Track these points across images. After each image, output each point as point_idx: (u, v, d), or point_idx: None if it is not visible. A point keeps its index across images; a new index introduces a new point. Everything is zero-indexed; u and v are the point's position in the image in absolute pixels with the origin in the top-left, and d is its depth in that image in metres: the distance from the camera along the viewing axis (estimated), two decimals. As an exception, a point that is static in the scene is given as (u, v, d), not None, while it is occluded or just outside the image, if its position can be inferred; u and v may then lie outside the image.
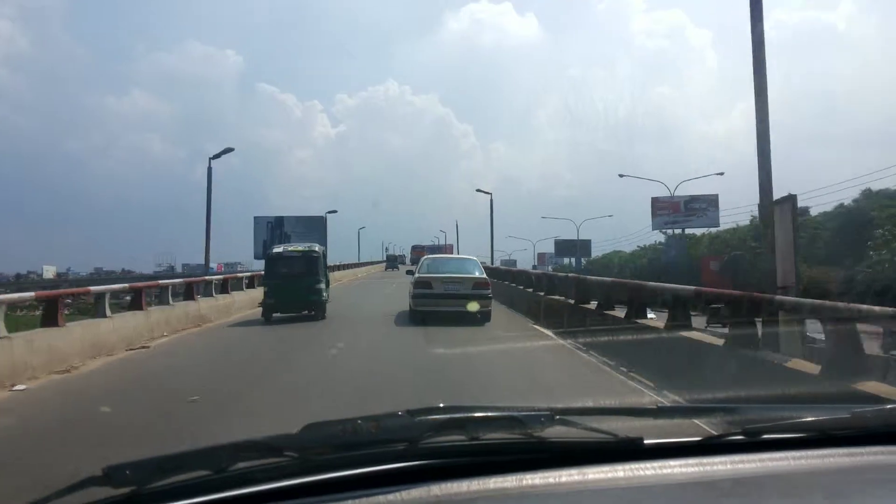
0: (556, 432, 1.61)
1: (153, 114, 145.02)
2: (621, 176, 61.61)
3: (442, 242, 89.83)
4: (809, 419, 1.78)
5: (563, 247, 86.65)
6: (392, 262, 77.82)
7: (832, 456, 1.60)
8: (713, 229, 58.02)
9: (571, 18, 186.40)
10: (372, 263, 69.59)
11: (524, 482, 1.46)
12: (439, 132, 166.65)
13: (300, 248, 18.13)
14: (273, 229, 67.58)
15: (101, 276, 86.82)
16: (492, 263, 47.38)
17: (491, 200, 52.69)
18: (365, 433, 1.60)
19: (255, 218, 69.86)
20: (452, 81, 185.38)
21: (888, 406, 2.06)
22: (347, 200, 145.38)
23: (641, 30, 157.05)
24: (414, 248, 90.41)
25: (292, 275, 16.77)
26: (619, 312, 11.67)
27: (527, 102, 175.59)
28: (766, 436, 1.68)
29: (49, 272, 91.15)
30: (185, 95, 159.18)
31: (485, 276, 16.81)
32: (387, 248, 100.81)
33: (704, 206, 58.55)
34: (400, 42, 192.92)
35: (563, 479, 1.49)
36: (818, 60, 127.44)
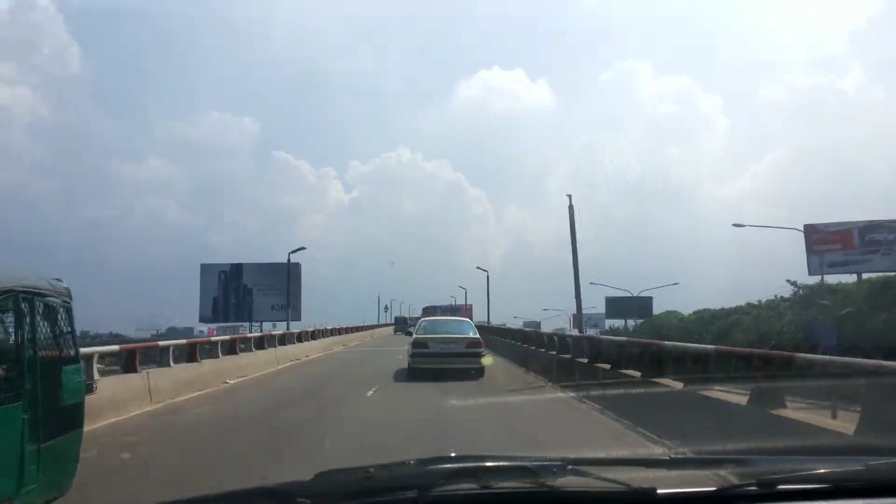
0: (568, 482, 1.61)
1: (170, 180, 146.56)
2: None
3: (457, 303, 79.07)
4: (823, 471, 1.77)
5: (618, 306, 72.47)
6: (402, 324, 65.94)
7: None
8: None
9: (582, 85, 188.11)
10: (368, 328, 55.73)
11: None
12: (452, 197, 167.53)
13: None
14: (228, 281, 52.92)
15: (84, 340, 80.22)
16: (488, 322, 43.99)
17: (487, 278, 52.48)
18: (377, 481, 1.60)
19: (202, 266, 53.04)
20: (465, 147, 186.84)
21: None
22: (360, 264, 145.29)
23: (650, 95, 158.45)
24: (426, 309, 78.35)
25: None
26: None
27: (539, 167, 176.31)
28: (780, 487, 1.67)
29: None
30: (202, 162, 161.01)
31: (478, 336, 17.60)
32: (386, 307, 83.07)
33: (892, 239, 39.14)
34: (412, 109, 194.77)
35: None
36: (831, 125, 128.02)
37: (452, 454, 1.83)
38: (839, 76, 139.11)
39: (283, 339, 23.22)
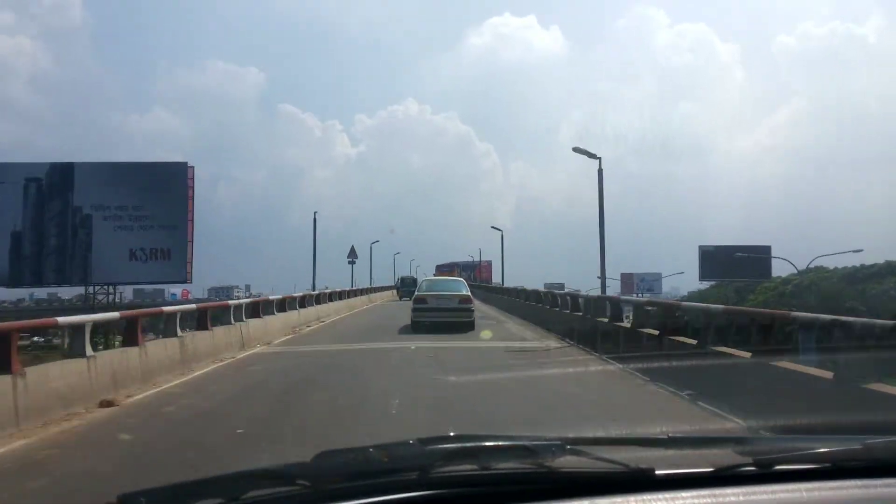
0: (567, 462, 1.62)
1: (175, 132, 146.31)
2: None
3: (476, 260, 77.03)
4: (822, 450, 1.78)
5: (717, 262, 51.76)
6: (409, 286, 45.04)
7: (845, 488, 1.60)
8: None
9: (597, 30, 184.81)
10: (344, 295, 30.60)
11: None
12: (460, 151, 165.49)
13: None
14: (43, 200, 28.28)
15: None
16: (502, 283, 42.39)
17: (502, 237, 48.10)
18: (376, 462, 1.62)
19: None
20: (474, 99, 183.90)
21: None
22: (368, 219, 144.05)
23: (666, 44, 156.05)
24: (440, 267, 73.29)
25: None
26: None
27: (550, 119, 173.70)
28: (778, 467, 1.68)
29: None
30: (208, 113, 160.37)
31: (468, 293, 20.62)
32: (351, 258, 44.24)
33: None
34: (420, 60, 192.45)
35: None
36: (848, 75, 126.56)
37: (452, 434, 1.83)
38: (858, 23, 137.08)
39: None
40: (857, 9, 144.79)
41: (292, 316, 20.05)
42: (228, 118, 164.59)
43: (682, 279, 66.82)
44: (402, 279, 53.43)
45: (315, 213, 40.51)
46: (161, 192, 28.53)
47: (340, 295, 29.11)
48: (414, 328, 19.15)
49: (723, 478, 1.62)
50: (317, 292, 25.28)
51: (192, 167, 30.63)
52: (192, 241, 30.22)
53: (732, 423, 7.29)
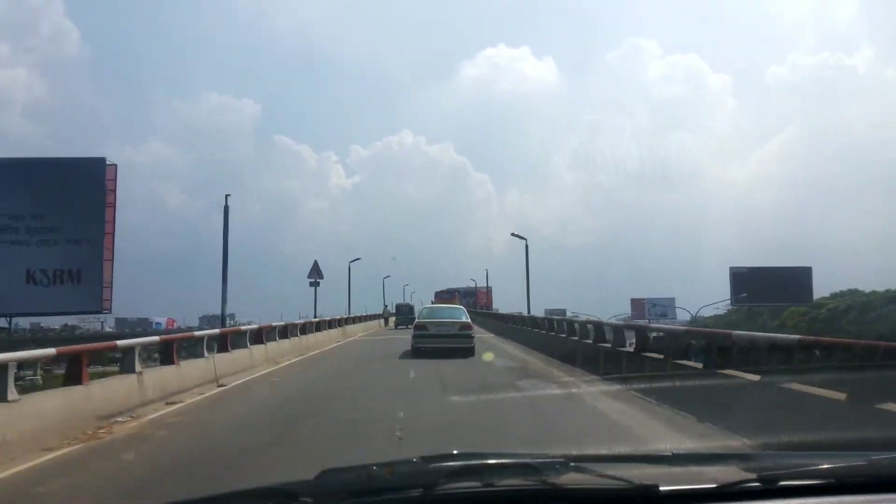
0: (571, 479, 1.62)
1: (170, 163, 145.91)
2: None
3: (476, 286, 78.05)
4: (825, 466, 1.78)
5: (752, 283, 46.66)
6: (407, 313, 42.85)
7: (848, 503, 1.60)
8: None
9: (590, 60, 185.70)
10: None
11: None
12: (455, 182, 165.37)
13: None
14: None
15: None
16: (528, 312, 34.13)
17: (526, 247, 37.86)
18: (380, 480, 1.62)
19: None
20: (468, 130, 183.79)
21: None
22: (363, 249, 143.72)
23: (658, 75, 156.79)
24: (439, 294, 74.30)
25: None
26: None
27: (545, 149, 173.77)
28: (782, 483, 1.67)
29: None
30: (203, 145, 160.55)
31: (468, 320, 20.95)
32: (314, 279, 32.05)
33: None
34: (415, 91, 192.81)
35: None
36: (839, 105, 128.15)
37: (455, 452, 1.83)
38: (848, 53, 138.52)
39: None
40: (847, 40, 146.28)
41: (119, 386, 9.19)
42: (223, 149, 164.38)
43: (686, 304, 65.76)
44: (398, 306, 49.72)
45: (227, 196, 26.39)
46: (70, 196, 22.12)
47: (287, 331, 19.57)
48: (414, 353, 19.28)
49: (727, 494, 1.61)
50: (217, 331, 14.65)
51: (115, 165, 24.14)
52: (112, 260, 23.78)
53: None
